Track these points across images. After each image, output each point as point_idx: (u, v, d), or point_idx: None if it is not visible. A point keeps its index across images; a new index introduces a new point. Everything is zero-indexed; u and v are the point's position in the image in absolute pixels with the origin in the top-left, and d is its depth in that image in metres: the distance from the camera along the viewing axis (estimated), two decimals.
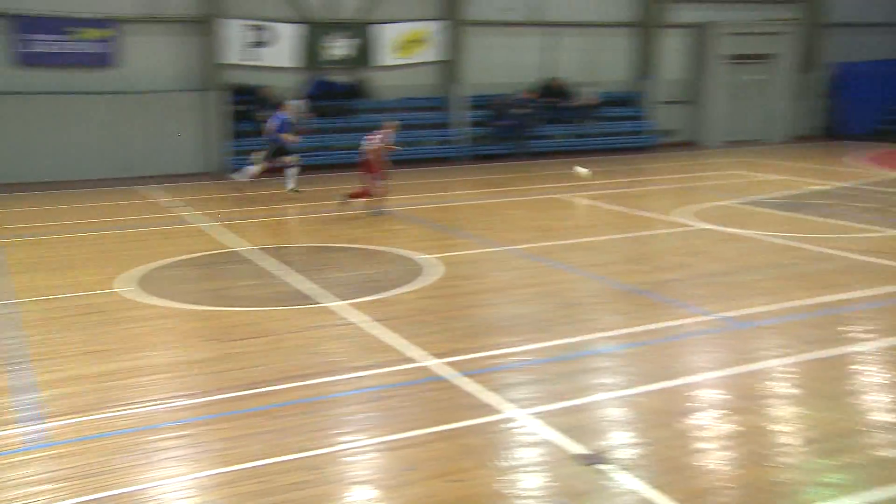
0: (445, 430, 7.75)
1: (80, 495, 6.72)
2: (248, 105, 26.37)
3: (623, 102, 31.34)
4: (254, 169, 21.79)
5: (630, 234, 16.41)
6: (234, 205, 21.04)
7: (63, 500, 6.68)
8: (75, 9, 24.77)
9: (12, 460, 7.41)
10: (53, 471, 7.19)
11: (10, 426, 8.12)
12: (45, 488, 6.88)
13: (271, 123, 21.59)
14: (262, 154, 21.75)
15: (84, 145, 24.87)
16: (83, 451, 7.55)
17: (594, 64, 30.98)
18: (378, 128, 18.43)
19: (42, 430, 8.01)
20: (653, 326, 10.66)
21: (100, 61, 25.13)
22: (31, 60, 24.61)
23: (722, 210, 18.70)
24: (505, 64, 29.71)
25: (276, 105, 22.99)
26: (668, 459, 7.15)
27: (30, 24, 24.36)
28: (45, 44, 24.56)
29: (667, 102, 31.70)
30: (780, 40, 33.03)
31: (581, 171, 21.90)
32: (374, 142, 18.02)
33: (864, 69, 34.29)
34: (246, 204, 21.01)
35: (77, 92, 24.99)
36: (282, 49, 26.86)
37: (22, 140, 24.18)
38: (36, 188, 23.06)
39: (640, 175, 24.68)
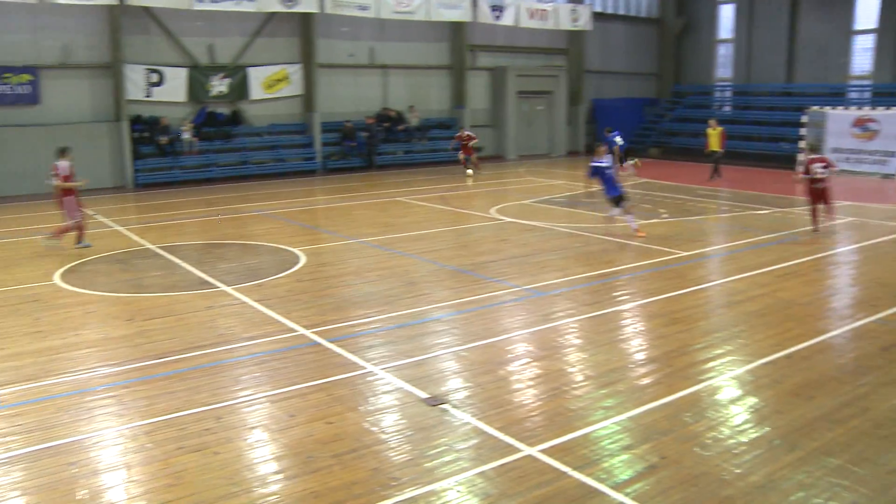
0: (319, 384, 7.73)
1: (29, 446, 6.56)
2: (148, 132, 25.57)
3: (442, 126, 31.62)
4: None
5: (454, 227, 16.58)
6: (141, 211, 20.22)
7: (15, 450, 6.51)
8: (3, 60, 23.35)
9: None
10: (7, 427, 6.96)
11: None
12: (2, 441, 6.68)
13: None
14: None
15: (18, 167, 23.46)
16: (31, 411, 7.31)
17: (419, 96, 31.23)
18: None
19: None
20: (475, 297, 10.83)
21: (26, 100, 23.77)
22: None
23: (521, 207, 19.12)
24: (350, 96, 29.64)
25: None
26: (491, 398, 7.31)
27: None
28: None
29: (475, 126, 32.16)
30: (555, 81, 34.04)
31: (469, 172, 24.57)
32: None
33: (612, 103, 35.89)
34: (150, 211, 20.22)
35: (10, 125, 23.53)
36: (173, 87, 26.10)
37: None
38: None
39: (459, 181, 24.93)
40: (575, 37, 34.35)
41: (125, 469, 6.11)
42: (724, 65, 36.28)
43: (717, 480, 5.77)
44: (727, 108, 34.79)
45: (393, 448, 6.31)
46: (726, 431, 6.60)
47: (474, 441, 6.42)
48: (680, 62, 37.62)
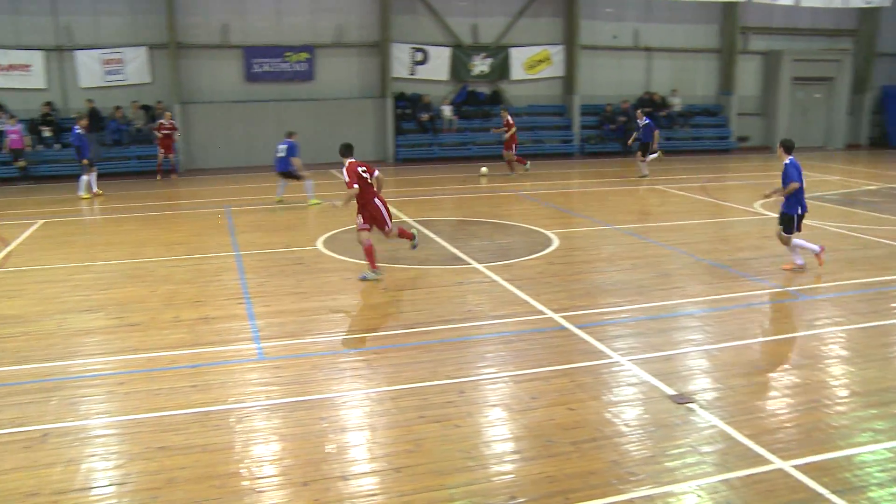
0: (563, 369, 7.74)
1: (287, 397, 7.16)
2: (409, 109, 26.91)
3: (706, 113, 30.39)
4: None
5: (713, 220, 15.94)
6: (400, 185, 21.28)
7: (275, 399, 7.14)
8: (284, 40, 25.74)
9: (246, 366, 7.98)
10: (270, 377, 7.67)
11: (242, 343, 8.63)
12: (265, 389, 7.38)
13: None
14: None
15: None
16: (289, 365, 7.97)
17: (683, 81, 30.18)
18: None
19: (261, 348, 8.41)
20: (732, 295, 10.34)
21: (302, 77, 26.03)
22: (256, 78, 25.84)
23: None
24: (611, 79, 29.28)
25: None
26: (741, 403, 6.97)
27: (255, 51, 25.65)
28: (265, 65, 25.84)
29: (742, 114, 30.59)
30: (837, 66, 31.40)
31: (483, 170, 22.71)
32: None
33: None
34: (409, 185, 21.24)
35: (287, 99, 25.93)
36: (436, 66, 27.23)
37: (250, 135, 25.17)
38: (258, 171, 23.75)
39: (721, 172, 23.89)
40: (867, 15, 31.39)
41: (369, 430, 6.49)
42: None
43: None
44: None
45: (633, 442, 6.20)
46: None
47: (720, 446, 6.15)
48: None
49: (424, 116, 26.65)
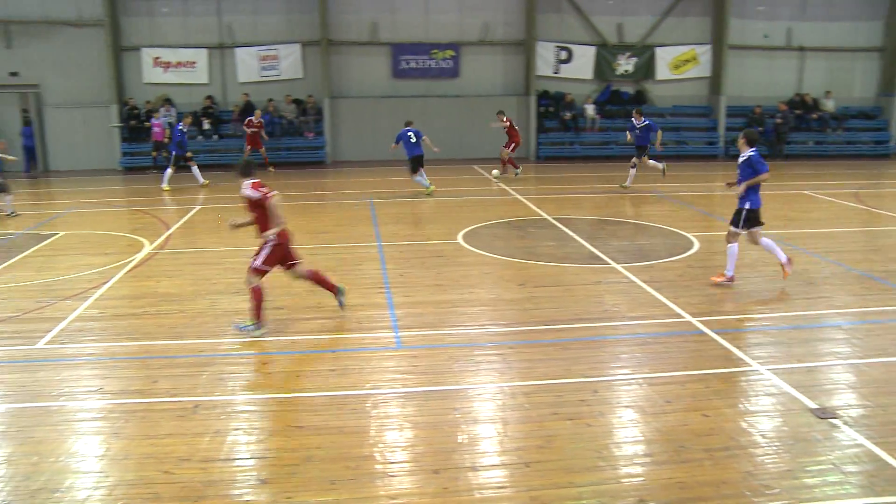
0: (700, 375, 7.57)
1: (422, 386, 7.32)
2: (552, 107, 26.80)
3: (863, 116, 28.74)
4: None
5: (866, 228, 15.09)
6: (541, 183, 21.23)
7: (410, 387, 7.31)
8: (431, 37, 26.29)
9: (384, 354, 8.23)
10: (406, 366, 7.85)
11: (381, 331, 8.89)
12: (401, 377, 7.57)
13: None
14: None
15: (437, 133, 26.00)
16: (426, 355, 8.14)
17: (838, 81, 28.62)
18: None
19: (399, 337, 8.63)
20: (884, 308, 9.76)
21: (448, 74, 26.50)
22: (403, 74, 26.55)
23: None
24: (760, 80, 28.16)
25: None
26: (892, 423, 6.57)
27: (403, 48, 26.33)
28: (412, 62, 26.51)
29: None
30: None
31: (495, 172, 21.94)
32: None
33: None
34: (549, 183, 21.16)
35: (433, 96, 26.52)
36: (580, 65, 27.03)
37: (396, 130, 25.58)
38: (403, 164, 24.17)
39: (878, 179, 22.57)
40: None
41: (501, 424, 6.53)
42: None
43: None
44: None
45: (770, 454, 5.98)
46: None
47: (867, 466, 5.83)
48: None
49: (567, 115, 26.49)
